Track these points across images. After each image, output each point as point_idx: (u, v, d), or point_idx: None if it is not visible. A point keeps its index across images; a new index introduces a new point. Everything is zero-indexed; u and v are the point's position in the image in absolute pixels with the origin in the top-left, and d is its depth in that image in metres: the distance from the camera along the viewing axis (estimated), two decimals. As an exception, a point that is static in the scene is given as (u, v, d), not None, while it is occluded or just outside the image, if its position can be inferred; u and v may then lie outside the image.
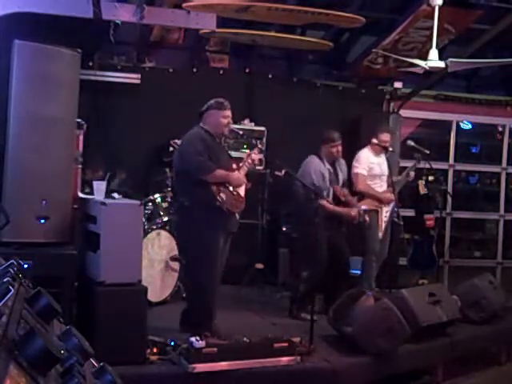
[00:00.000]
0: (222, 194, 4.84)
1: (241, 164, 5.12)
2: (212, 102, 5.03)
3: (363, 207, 5.96)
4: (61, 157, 4.69)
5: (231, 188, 4.93)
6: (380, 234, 6.28)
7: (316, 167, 5.83)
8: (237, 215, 5.01)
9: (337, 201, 5.93)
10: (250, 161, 5.15)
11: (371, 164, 6.30)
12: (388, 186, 6.38)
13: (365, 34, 7.96)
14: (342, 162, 6.12)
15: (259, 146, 5.66)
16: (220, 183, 4.88)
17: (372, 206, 6.19)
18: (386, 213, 6.29)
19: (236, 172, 5.02)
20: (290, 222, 7.02)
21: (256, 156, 5.25)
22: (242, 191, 5.05)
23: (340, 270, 5.96)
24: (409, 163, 7.07)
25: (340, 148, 5.94)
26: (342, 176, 6.09)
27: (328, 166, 5.92)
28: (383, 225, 6.29)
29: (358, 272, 6.47)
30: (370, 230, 6.17)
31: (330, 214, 5.77)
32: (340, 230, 6.07)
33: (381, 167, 6.37)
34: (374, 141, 6.31)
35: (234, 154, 6.91)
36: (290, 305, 6.00)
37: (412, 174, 6.80)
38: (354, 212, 5.90)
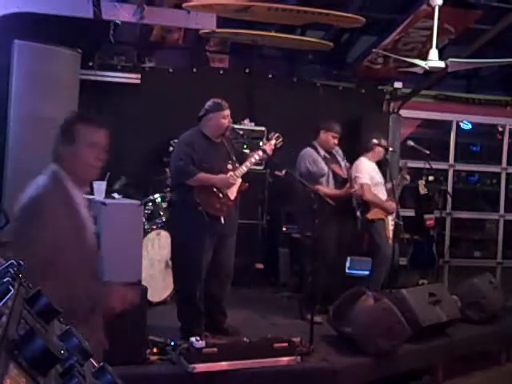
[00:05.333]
0: (196, 198, 4.76)
1: (241, 164, 5.08)
2: (210, 103, 4.96)
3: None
4: (61, 157, 4.68)
5: (215, 189, 4.85)
6: (389, 241, 6.24)
7: (310, 156, 5.90)
8: (222, 219, 4.86)
9: (340, 183, 5.97)
10: (260, 152, 5.09)
11: (372, 172, 6.30)
12: (388, 194, 6.35)
13: (365, 34, 7.96)
14: (338, 149, 6.13)
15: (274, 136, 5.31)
16: (205, 186, 4.83)
17: (379, 214, 6.19)
18: (391, 221, 6.28)
19: (222, 175, 4.89)
20: (292, 221, 7.02)
21: (270, 146, 5.14)
22: (231, 193, 4.96)
23: (330, 268, 5.98)
24: (409, 164, 7.07)
25: (337, 141, 5.99)
26: (343, 162, 6.11)
27: (323, 152, 5.97)
28: (390, 234, 6.25)
29: (367, 272, 6.44)
30: (381, 236, 6.17)
31: (339, 213, 5.78)
32: (346, 227, 6.08)
33: (378, 174, 6.38)
34: (379, 149, 6.34)
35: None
36: (299, 305, 5.95)
37: (407, 176, 6.78)
38: (349, 187, 5.90)
